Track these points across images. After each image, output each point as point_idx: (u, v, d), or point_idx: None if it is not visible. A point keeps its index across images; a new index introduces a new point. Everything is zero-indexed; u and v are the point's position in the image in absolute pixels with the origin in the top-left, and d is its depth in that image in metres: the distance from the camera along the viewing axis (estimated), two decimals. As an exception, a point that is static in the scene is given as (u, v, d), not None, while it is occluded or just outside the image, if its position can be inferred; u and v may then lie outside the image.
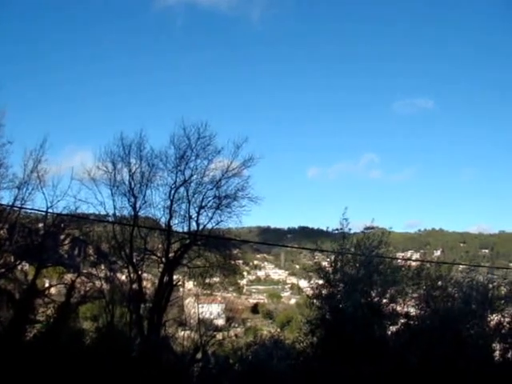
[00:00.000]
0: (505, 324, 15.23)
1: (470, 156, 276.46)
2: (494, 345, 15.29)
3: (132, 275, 18.85)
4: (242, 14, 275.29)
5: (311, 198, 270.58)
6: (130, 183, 19.31)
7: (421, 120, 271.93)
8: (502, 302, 15.44)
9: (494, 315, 15.28)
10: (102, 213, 19.30)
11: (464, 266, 19.32)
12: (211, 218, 19.57)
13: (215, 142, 19.66)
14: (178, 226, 19.90)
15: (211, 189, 19.68)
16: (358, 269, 15.46)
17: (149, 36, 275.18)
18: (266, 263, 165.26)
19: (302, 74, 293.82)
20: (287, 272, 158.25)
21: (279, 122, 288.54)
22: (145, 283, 19.71)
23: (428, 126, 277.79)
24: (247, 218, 21.30)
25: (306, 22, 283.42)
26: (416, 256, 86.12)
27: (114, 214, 19.53)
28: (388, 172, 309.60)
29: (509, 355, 15.09)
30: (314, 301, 15.99)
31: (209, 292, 23.76)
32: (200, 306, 21.53)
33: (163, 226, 20.04)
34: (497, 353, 15.28)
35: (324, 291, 15.74)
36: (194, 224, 19.55)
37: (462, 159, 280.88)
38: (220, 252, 20.26)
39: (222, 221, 19.69)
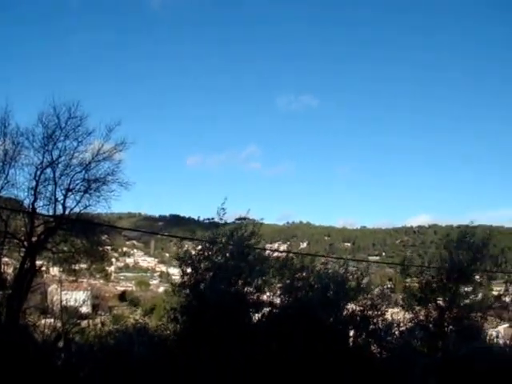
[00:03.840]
0: (357, 312, 16.28)
1: (342, 155, 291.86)
2: (349, 331, 16.31)
3: (-9, 259, 17.86)
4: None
5: (188, 187, 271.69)
6: (-9, 161, 18.18)
7: (305, 117, 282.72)
8: (358, 292, 16.47)
9: (349, 304, 16.29)
10: (-42, 191, 18.07)
11: (327, 258, 20.37)
12: (79, 202, 18.91)
13: (87, 123, 19.03)
14: (43, 208, 18.98)
15: (80, 171, 19.01)
16: (227, 258, 15.77)
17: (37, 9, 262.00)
18: (135, 250, 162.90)
19: (188, 61, 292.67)
20: (157, 260, 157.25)
21: (160, 108, 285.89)
22: (5, 268, 18.72)
23: (310, 123, 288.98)
24: (118, 203, 20.93)
25: (202, 9, 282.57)
26: (283, 247, 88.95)
27: (-27, 194, 18.37)
28: (267, 165, 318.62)
29: (359, 341, 16.14)
30: (180, 288, 16.12)
31: (74, 278, 23.08)
32: (64, 292, 20.86)
33: (27, 208, 19.16)
34: (351, 339, 16.32)
35: (191, 279, 15.89)
36: (60, 207, 18.84)
37: (336, 157, 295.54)
38: (87, 237, 19.70)
39: (90, 205, 19.10)
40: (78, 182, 18.96)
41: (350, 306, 16.32)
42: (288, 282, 16.64)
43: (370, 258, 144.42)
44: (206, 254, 16.10)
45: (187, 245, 16.88)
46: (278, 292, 16.64)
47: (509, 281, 18.58)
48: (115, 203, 19.62)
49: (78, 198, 18.95)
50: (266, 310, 16.27)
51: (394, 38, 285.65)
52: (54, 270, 23.96)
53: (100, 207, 19.54)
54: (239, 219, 17.07)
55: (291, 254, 18.68)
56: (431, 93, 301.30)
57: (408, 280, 18.40)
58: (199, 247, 16.33)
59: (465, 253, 17.53)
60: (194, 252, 16.17)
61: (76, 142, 18.88)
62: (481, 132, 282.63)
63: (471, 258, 17.43)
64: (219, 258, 15.97)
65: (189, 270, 15.94)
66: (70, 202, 18.88)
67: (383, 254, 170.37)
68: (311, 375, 14.21)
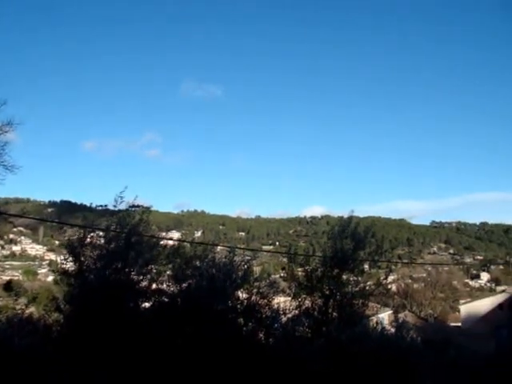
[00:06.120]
0: (244, 300, 16.62)
1: (240, 145, 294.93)
2: (237, 319, 16.60)
3: None
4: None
5: (82, 173, 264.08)
6: None
7: (209, 105, 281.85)
8: (244, 280, 16.79)
9: (237, 292, 16.60)
10: None
11: (221, 247, 20.57)
12: (-43, 186, 17.90)
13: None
14: None
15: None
16: (115, 246, 15.56)
17: None
18: (22, 237, 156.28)
19: (91, 43, 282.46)
20: (46, 248, 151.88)
21: (54, 88, 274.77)
22: None
23: (212, 112, 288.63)
24: (3, 188, 20.02)
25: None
26: (178, 236, 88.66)
27: None
28: (167, 152, 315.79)
29: (247, 328, 16.50)
30: (65, 277, 15.75)
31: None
32: None
33: None
34: (239, 327, 16.60)
35: (77, 267, 15.53)
36: None
37: (234, 147, 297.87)
38: (-33, 224, 18.73)
39: (-30, 189, 18.16)
40: (-45, 163, 17.89)
41: (238, 294, 16.61)
42: (179, 270, 16.64)
43: (264, 247, 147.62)
44: (93, 241, 15.84)
45: (78, 232, 16.44)
46: (169, 280, 16.60)
47: (389, 268, 19.65)
48: (0, 188, 18.78)
49: (-45, 181, 17.89)
50: (156, 298, 16.22)
51: (302, 33, 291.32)
52: None
53: (-18, 192, 18.59)
54: (132, 206, 16.88)
55: (184, 243, 18.73)
56: (331, 84, 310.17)
57: (300, 269, 18.96)
58: (92, 235, 16.00)
59: (348, 241, 18.35)
60: (81, 239, 15.81)
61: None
62: (370, 133, 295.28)
63: (353, 246, 18.28)
64: (107, 245, 15.72)
65: (75, 258, 15.58)
66: None
67: (277, 243, 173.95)
68: (199, 362, 14.39)
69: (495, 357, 28.84)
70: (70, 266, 15.60)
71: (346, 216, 19.46)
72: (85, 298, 14.68)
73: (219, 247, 20.61)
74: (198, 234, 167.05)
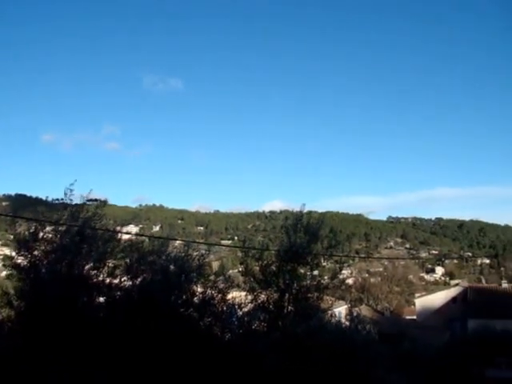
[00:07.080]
0: (199, 295, 16.57)
1: (200, 140, 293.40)
2: (192, 314, 16.51)
3: None
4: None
5: (40, 166, 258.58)
6: None
7: (169, 99, 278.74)
8: (199, 274, 16.73)
9: (193, 287, 16.53)
10: None
11: (180, 242, 20.44)
12: None
13: None
14: None
15: None
16: (69, 239, 15.29)
17: None
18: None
19: (50, 38, 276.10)
20: (0, 242, 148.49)
21: (12, 82, 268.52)
22: None
23: (174, 106, 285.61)
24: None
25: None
26: (136, 230, 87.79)
27: None
28: (127, 146, 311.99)
29: (203, 322, 16.44)
30: (15, 272, 15.43)
31: None
32: None
33: None
34: (195, 321, 16.54)
35: (30, 262, 15.22)
36: None
37: (194, 142, 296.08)
38: None
39: None
40: None
41: (194, 289, 16.55)
42: (135, 265, 16.47)
43: (223, 241, 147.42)
44: (46, 235, 15.52)
45: (30, 226, 16.09)
46: (124, 275, 16.40)
47: (342, 261, 19.93)
48: None
49: None
50: (110, 293, 16.01)
51: (266, 28, 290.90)
52: None
53: None
54: (89, 200, 16.63)
55: (141, 237, 18.56)
56: (290, 81, 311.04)
57: (255, 263, 18.95)
58: (47, 229, 15.68)
59: (302, 235, 18.42)
60: (34, 233, 15.47)
61: None
62: (330, 128, 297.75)
63: (307, 240, 18.36)
64: (59, 239, 15.44)
65: (27, 252, 15.26)
66: None
67: (235, 238, 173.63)
68: (155, 357, 14.29)
69: (448, 349, 29.56)
70: (21, 260, 15.29)
71: (304, 211, 19.53)
72: (37, 293, 14.41)
73: (177, 242, 20.47)
74: (157, 228, 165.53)
